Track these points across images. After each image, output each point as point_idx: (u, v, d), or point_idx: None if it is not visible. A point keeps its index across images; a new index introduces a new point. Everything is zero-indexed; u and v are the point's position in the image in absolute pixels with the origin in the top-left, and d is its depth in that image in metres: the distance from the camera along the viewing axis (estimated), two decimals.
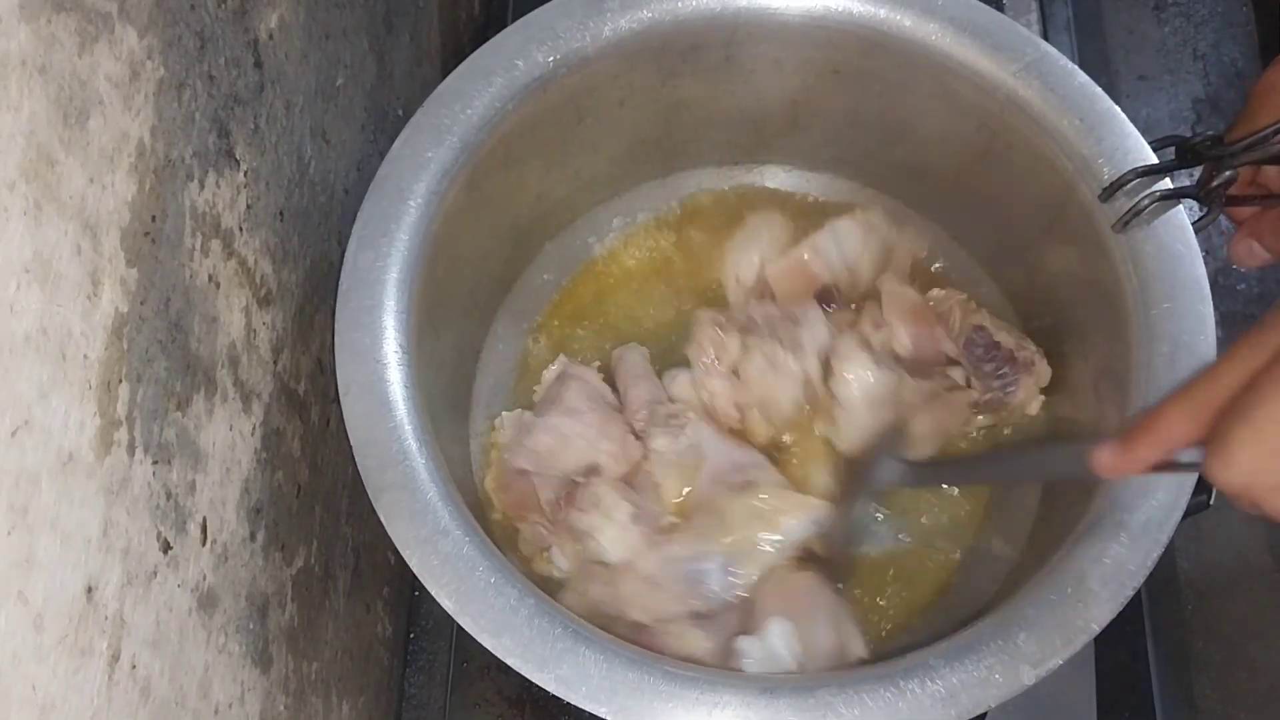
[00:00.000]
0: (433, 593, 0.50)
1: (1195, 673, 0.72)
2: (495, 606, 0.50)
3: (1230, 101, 0.87)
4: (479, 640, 0.49)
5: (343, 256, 0.62)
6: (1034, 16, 0.85)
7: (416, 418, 0.54)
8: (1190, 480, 0.53)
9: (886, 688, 0.49)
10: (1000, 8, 0.85)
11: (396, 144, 0.58)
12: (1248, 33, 0.89)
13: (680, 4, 0.62)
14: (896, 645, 0.63)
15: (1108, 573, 0.51)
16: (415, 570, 0.50)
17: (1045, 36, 0.85)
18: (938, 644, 0.51)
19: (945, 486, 0.68)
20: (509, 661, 0.49)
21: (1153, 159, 0.58)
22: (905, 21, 0.62)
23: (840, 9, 0.62)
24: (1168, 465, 0.45)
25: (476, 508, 0.64)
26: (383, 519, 0.51)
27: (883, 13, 0.62)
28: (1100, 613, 0.51)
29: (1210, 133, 0.53)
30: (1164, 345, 0.55)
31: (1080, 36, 0.87)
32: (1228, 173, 0.52)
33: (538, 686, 0.49)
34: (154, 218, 0.41)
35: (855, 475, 0.65)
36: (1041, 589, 0.52)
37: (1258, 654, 0.73)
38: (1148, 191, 0.56)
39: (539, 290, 0.74)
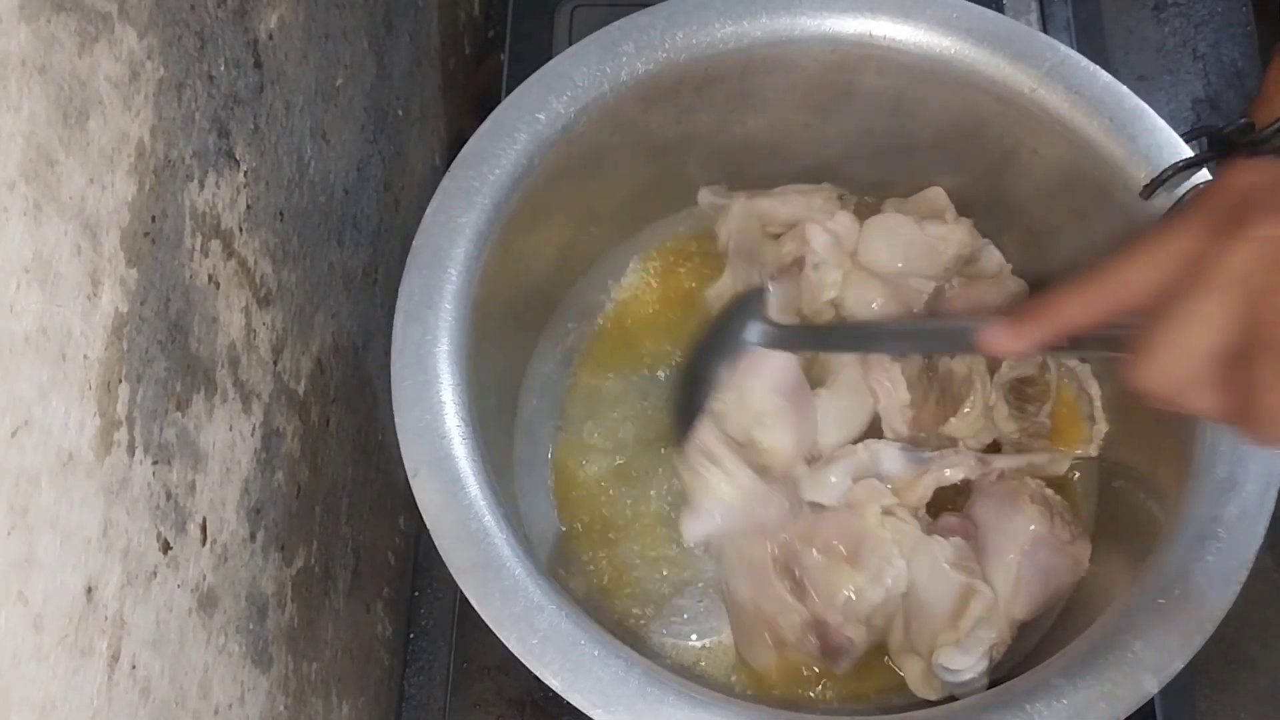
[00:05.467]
0: (536, 672, 0.49)
1: (1195, 672, 0.72)
2: (604, 680, 0.49)
3: (1230, 101, 0.87)
4: (592, 715, 0.48)
5: (343, 257, 0.62)
6: (1034, 16, 0.85)
7: (489, 491, 0.53)
8: None
9: (1014, 713, 0.49)
10: (1000, 8, 0.85)
11: (429, 211, 0.57)
12: (1247, 33, 0.89)
13: (695, 40, 0.61)
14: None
15: (1212, 570, 0.51)
16: (515, 651, 0.49)
17: None
18: (1054, 660, 0.51)
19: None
20: None
21: (1187, 152, 0.57)
22: (922, 38, 0.61)
23: (856, 31, 0.61)
24: (1055, 346, 0.46)
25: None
26: (471, 599, 0.50)
27: (899, 31, 0.61)
28: (1213, 610, 0.50)
29: (1242, 120, 0.53)
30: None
31: (1079, 37, 0.87)
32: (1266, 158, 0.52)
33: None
34: (154, 218, 0.41)
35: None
36: (1146, 593, 0.51)
37: (1258, 654, 0.73)
38: (1191, 184, 0.55)
39: (564, 339, 0.74)
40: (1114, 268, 0.43)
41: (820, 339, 0.67)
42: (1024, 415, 0.67)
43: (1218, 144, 0.54)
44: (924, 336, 0.60)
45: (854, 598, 0.61)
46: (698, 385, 0.64)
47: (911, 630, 0.62)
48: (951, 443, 0.66)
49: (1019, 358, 0.46)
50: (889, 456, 0.64)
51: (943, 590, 0.61)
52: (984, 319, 0.48)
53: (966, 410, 0.65)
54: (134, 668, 0.39)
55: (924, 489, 0.63)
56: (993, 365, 0.67)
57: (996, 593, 0.61)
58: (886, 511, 0.64)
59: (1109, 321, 0.44)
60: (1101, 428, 0.66)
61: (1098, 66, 0.60)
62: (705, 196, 0.74)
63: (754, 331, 0.63)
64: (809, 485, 0.64)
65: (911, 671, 0.62)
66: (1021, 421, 0.67)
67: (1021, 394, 0.67)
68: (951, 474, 0.63)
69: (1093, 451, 0.67)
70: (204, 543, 0.45)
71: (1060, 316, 0.45)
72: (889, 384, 0.65)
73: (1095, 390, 0.67)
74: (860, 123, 0.68)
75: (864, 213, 0.72)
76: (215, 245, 0.46)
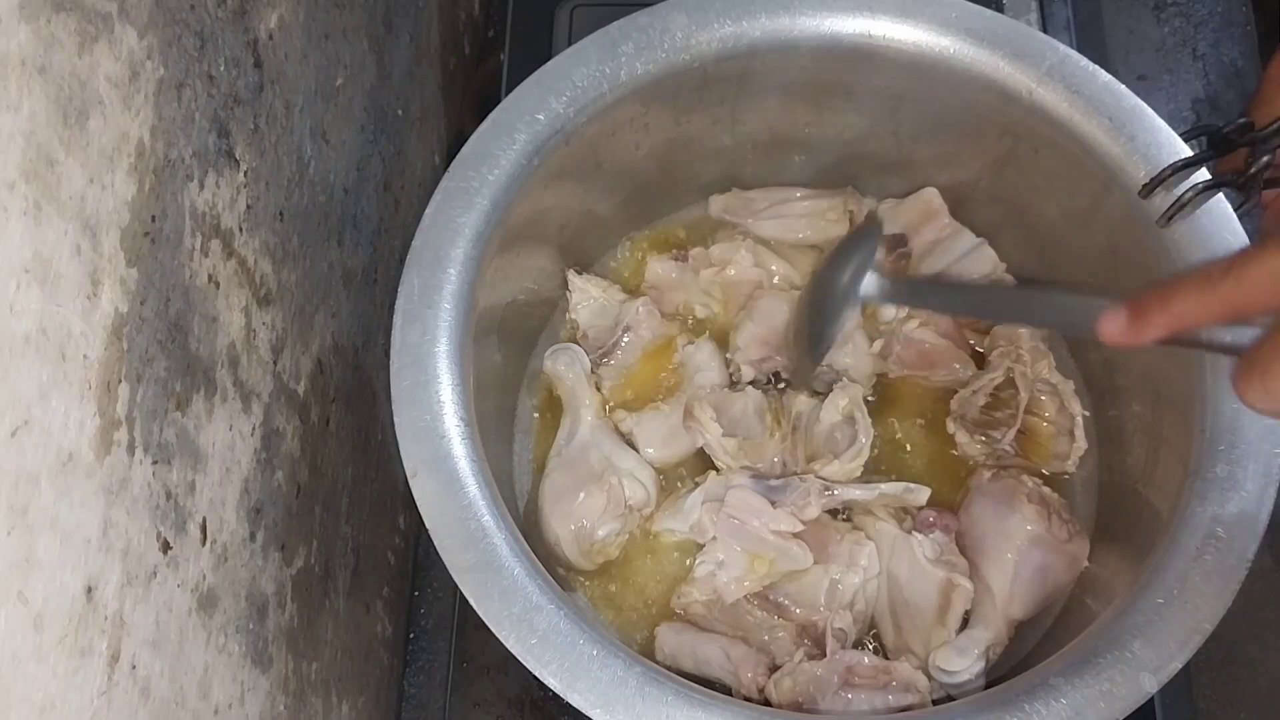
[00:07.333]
0: (535, 672, 0.49)
1: (1195, 673, 0.72)
2: (603, 680, 0.49)
3: (1230, 101, 0.87)
4: (591, 715, 0.49)
5: (342, 257, 0.62)
6: (1034, 17, 0.85)
7: (488, 492, 0.53)
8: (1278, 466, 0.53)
9: (1012, 713, 0.49)
10: (1000, 8, 0.85)
11: (429, 211, 0.57)
12: (1247, 33, 0.89)
13: (694, 40, 0.61)
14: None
15: (1211, 569, 0.51)
16: (514, 651, 0.49)
17: None
18: (1052, 660, 0.51)
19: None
20: None
21: (1186, 151, 0.57)
22: (922, 37, 0.61)
23: (855, 30, 0.61)
24: (1177, 340, 0.44)
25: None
26: (470, 600, 0.50)
27: (898, 31, 0.61)
28: (1212, 610, 0.50)
29: (1241, 120, 0.53)
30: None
31: (1080, 36, 0.87)
32: (1265, 158, 0.52)
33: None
34: (154, 218, 0.41)
35: (829, 289, 0.62)
36: (1146, 593, 0.51)
37: (1257, 654, 0.73)
38: (1190, 183, 0.55)
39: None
40: (1240, 265, 0.41)
41: (933, 297, 0.64)
42: (988, 441, 0.67)
43: (1217, 143, 0.54)
44: (1044, 309, 0.56)
45: (840, 586, 0.61)
46: (818, 317, 0.62)
47: (903, 629, 0.62)
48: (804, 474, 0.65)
49: (1129, 348, 0.45)
50: (739, 484, 0.64)
51: (925, 587, 0.61)
52: (1106, 300, 0.45)
53: (847, 457, 0.64)
54: (134, 668, 0.39)
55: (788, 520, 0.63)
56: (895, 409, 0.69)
57: (994, 592, 0.61)
58: (866, 511, 0.64)
59: (1230, 320, 0.42)
60: (1081, 445, 0.66)
61: (1097, 66, 0.60)
62: (717, 207, 0.74)
63: (869, 284, 0.59)
64: (667, 515, 0.65)
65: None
66: (985, 447, 0.67)
67: (991, 419, 0.67)
68: (806, 508, 0.62)
69: (1070, 469, 0.66)
70: (204, 543, 0.45)
71: (1181, 313, 0.43)
72: (700, 427, 0.66)
73: (1077, 408, 0.66)
74: (859, 122, 0.68)
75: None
76: (215, 245, 0.46)
